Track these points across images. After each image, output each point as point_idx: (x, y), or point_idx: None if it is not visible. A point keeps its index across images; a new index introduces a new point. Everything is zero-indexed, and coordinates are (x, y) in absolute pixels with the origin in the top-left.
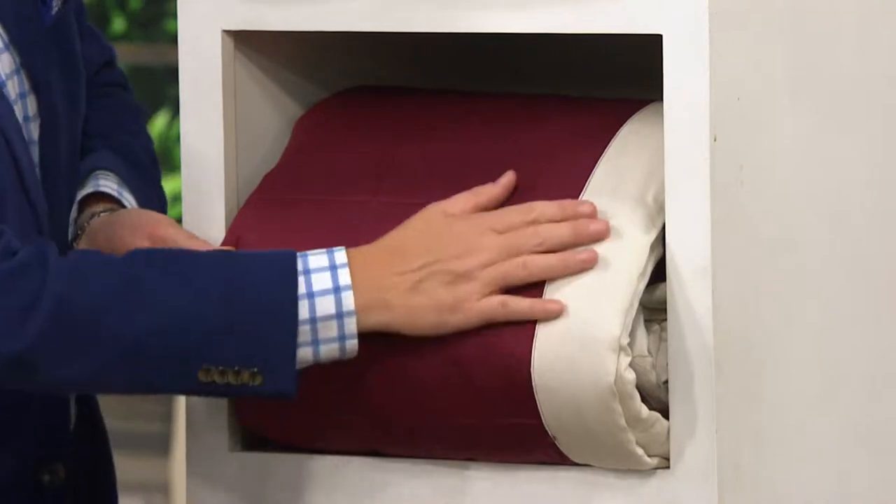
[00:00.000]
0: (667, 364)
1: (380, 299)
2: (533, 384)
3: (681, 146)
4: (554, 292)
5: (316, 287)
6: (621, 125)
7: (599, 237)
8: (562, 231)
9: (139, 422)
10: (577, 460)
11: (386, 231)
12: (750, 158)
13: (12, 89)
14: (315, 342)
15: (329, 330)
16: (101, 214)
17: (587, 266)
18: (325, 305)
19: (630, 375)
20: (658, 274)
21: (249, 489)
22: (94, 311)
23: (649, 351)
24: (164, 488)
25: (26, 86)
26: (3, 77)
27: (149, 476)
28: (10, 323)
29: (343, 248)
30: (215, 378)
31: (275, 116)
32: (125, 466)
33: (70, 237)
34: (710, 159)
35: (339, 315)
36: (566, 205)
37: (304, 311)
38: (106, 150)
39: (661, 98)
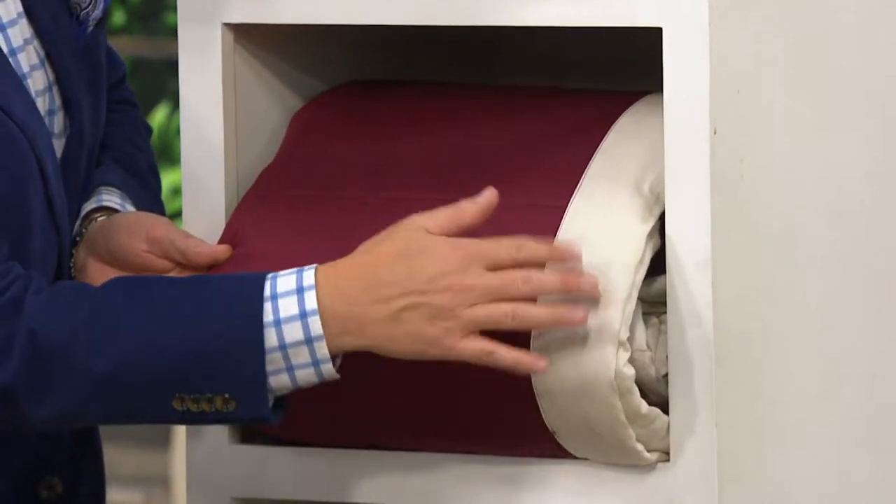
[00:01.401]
0: (666, 358)
1: (355, 326)
2: (532, 379)
3: (681, 139)
4: None
5: (283, 313)
6: (619, 116)
7: (590, 294)
8: (552, 283)
9: None
10: (577, 455)
11: (384, 227)
12: (750, 151)
13: (42, 106)
14: (289, 368)
15: (301, 356)
16: (99, 219)
17: (578, 323)
18: (293, 332)
19: (629, 371)
20: (656, 266)
21: (249, 482)
22: (64, 344)
23: (648, 345)
24: (163, 481)
25: (57, 103)
26: (35, 94)
27: (149, 469)
28: None
29: (314, 266)
30: (189, 406)
31: (275, 110)
32: (125, 460)
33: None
34: (710, 152)
35: (309, 340)
36: (557, 248)
37: (272, 339)
38: (112, 162)
39: (660, 91)
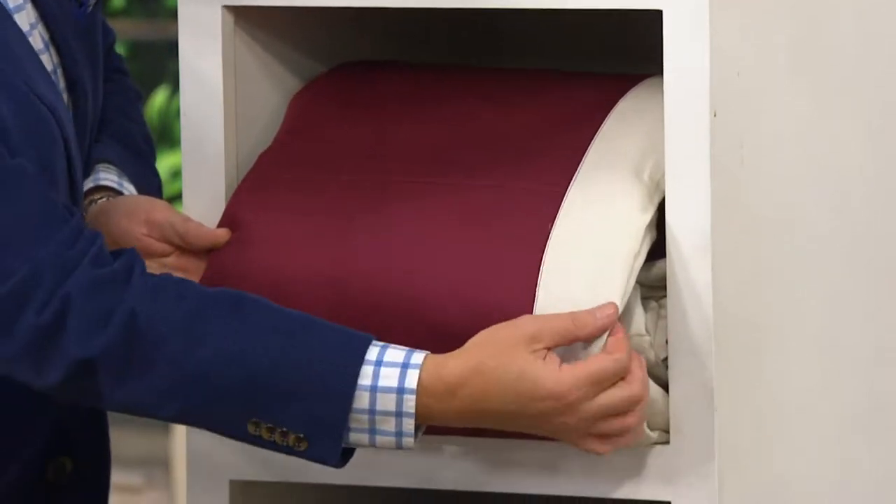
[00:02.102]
0: (665, 342)
1: (458, 421)
2: None
3: (681, 122)
4: (549, 273)
5: (381, 382)
6: (618, 100)
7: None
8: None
9: None
10: None
11: (384, 212)
12: (750, 135)
13: None
14: (372, 431)
15: (387, 424)
16: (100, 202)
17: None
18: (386, 402)
19: None
20: (655, 250)
21: (249, 465)
22: (161, 335)
23: (647, 329)
24: (164, 464)
25: (62, 85)
26: None
27: (149, 451)
28: (85, 329)
29: (425, 353)
30: (263, 433)
31: (274, 92)
32: (127, 442)
33: None
34: (710, 136)
35: (399, 414)
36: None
37: (363, 402)
38: (108, 137)
39: (660, 74)
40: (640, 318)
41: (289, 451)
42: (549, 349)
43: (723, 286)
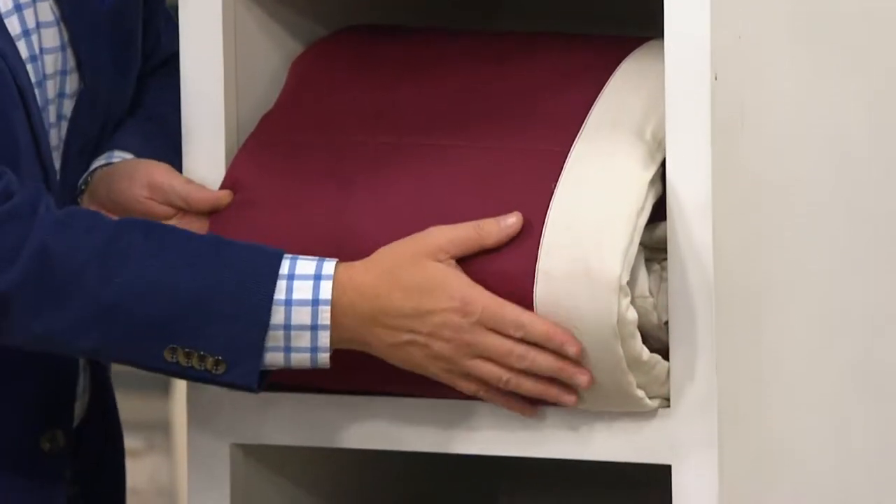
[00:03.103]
0: (667, 304)
1: (359, 338)
2: None
3: (681, 85)
4: (553, 229)
5: (296, 295)
6: (620, 61)
7: (580, 387)
8: (548, 368)
9: None
10: (577, 403)
11: (384, 174)
12: (750, 98)
13: (52, 64)
14: (287, 349)
15: (302, 339)
16: (102, 168)
17: (564, 402)
18: (302, 315)
19: (632, 315)
20: (658, 212)
21: (249, 428)
22: (74, 265)
23: (650, 291)
24: (165, 427)
25: (71, 63)
26: (45, 51)
27: (150, 415)
28: None
29: (334, 260)
30: (180, 359)
31: (275, 54)
32: (126, 406)
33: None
34: (711, 98)
35: (314, 327)
36: (555, 337)
37: (278, 317)
38: (136, 124)
39: (661, 37)
40: (643, 280)
41: (206, 376)
42: (455, 259)
43: (723, 249)
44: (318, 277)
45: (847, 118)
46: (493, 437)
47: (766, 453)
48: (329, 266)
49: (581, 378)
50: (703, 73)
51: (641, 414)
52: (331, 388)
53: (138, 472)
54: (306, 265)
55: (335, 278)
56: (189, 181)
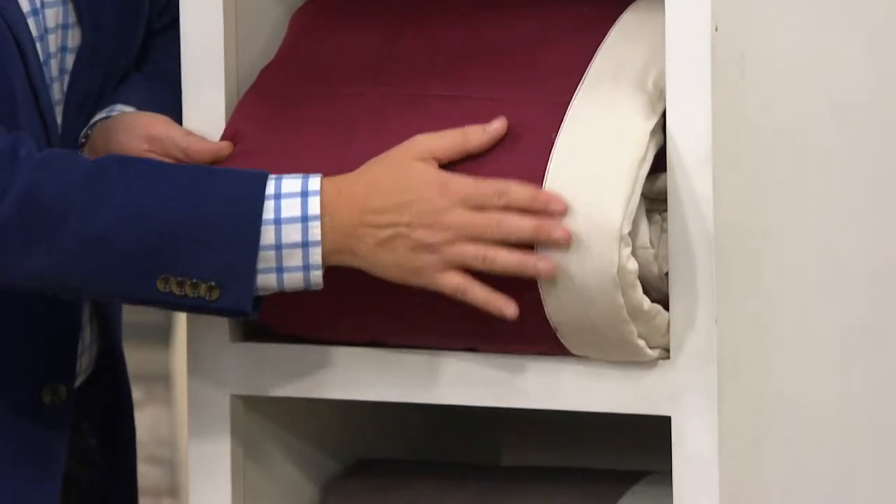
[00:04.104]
0: (667, 255)
1: (347, 246)
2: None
3: (682, 35)
4: (555, 182)
5: (284, 213)
6: (621, 13)
7: (558, 245)
8: (525, 228)
9: (140, 312)
10: (577, 353)
11: (384, 124)
12: (751, 48)
13: (53, 18)
14: (279, 269)
15: (293, 258)
16: (102, 121)
17: (542, 276)
18: (291, 233)
19: (633, 265)
20: (659, 163)
21: (249, 379)
22: (60, 203)
23: (651, 242)
24: (165, 378)
25: (71, 18)
26: (46, 4)
27: (150, 366)
28: None
29: (319, 175)
30: (173, 288)
31: (275, 7)
32: (127, 357)
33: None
34: (711, 49)
35: (305, 244)
36: (539, 197)
37: (269, 237)
38: (141, 80)
39: None
40: (644, 231)
41: (201, 304)
42: (440, 164)
43: (724, 199)
44: (305, 194)
45: (847, 67)
46: (493, 389)
47: (767, 403)
48: (315, 181)
49: (560, 233)
50: (703, 23)
51: (641, 365)
52: (331, 339)
53: (139, 423)
54: (292, 183)
55: (322, 192)
56: (189, 133)
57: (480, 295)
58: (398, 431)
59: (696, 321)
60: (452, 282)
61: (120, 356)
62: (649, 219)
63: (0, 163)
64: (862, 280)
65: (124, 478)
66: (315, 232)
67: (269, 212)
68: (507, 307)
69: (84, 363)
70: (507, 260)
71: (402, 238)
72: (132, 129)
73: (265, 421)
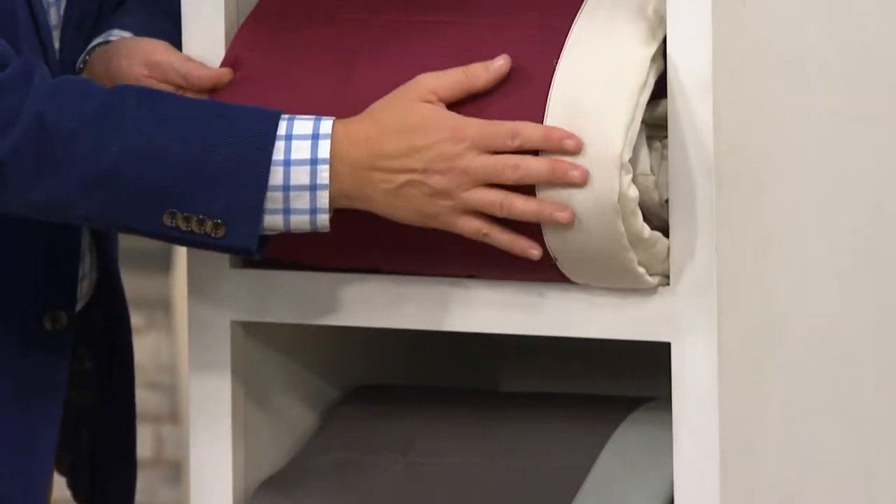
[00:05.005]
0: (668, 182)
1: (360, 190)
2: None
3: None
4: (556, 107)
5: (294, 155)
6: None
7: (575, 184)
8: (541, 170)
9: (142, 238)
10: (577, 280)
11: (385, 51)
12: None
13: None
14: (286, 211)
15: (301, 201)
16: (101, 47)
17: (560, 222)
18: (300, 175)
19: (633, 193)
20: (659, 90)
21: (249, 305)
22: (71, 131)
23: (651, 169)
24: (165, 304)
25: None
26: None
27: (150, 292)
28: None
29: (332, 118)
30: (179, 223)
31: None
32: (127, 282)
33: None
34: None
35: (313, 188)
36: (553, 135)
37: (277, 178)
38: (138, 5)
39: None
40: (645, 158)
41: (206, 240)
42: (445, 103)
43: (724, 124)
44: (315, 137)
45: None
46: (493, 316)
47: (767, 329)
48: (326, 124)
49: (575, 173)
50: None
51: (641, 292)
52: (331, 266)
53: (139, 348)
54: (304, 125)
55: (333, 135)
56: (189, 59)
57: (503, 238)
58: (397, 358)
59: (695, 248)
60: (473, 226)
61: (117, 281)
62: (650, 146)
63: (14, 85)
64: (862, 204)
65: (122, 402)
66: (324, 175)
67: (279, 152)
68: (531, 248)
69: (84, 289)
70: (525, 207)
71: (417, 184)
72: (132, 54)
73: (265, 347)
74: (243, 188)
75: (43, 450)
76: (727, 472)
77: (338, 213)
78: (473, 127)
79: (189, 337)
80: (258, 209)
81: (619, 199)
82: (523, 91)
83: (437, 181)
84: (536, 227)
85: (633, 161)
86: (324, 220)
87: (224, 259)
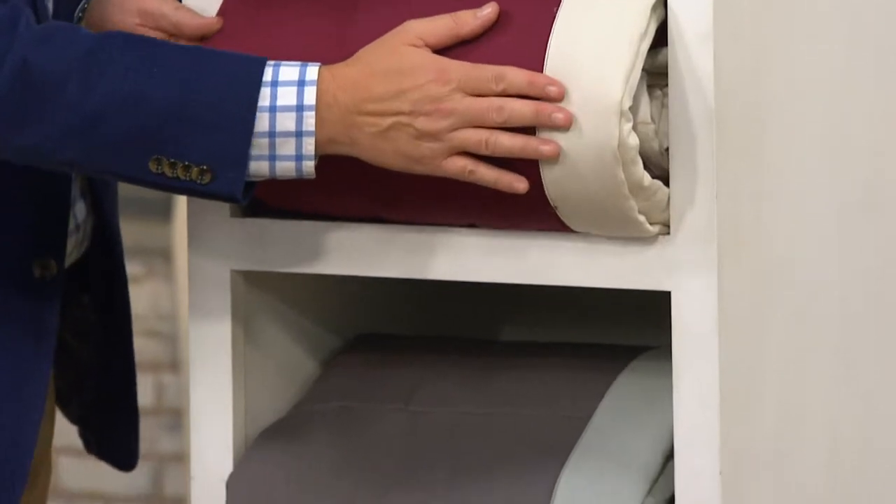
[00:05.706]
0: (668, 131)
1: (345, 136)
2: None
3: None
4: (555, 54)
5: (280, 101)
6: None
7: (558, 128)
8: (525, 112)
9: (140, 188)
10: (577, 229)
11: (384, 4)
12: None
13: None
14: (272, 157)
15: (286, 147)
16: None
17: (545, 156)
18: (286, 122)
19: (633, 141)
20: (660, 38)
21: (249, 254)
22: (56, 77)
23: (652, 117)
24: (165, 253)
25: None
26: None
27: (150, 241)
28: None
29: (317, 64)
30: (165, 169)
31: None
32: (126, 231)
33: None
34: None
35: (299, 134)
36: (536, 81)
37: (263, 124)
38: None
39: None
40: (645, 106)
41: (192, 186)
42: (433, 49)
43: (725, 73)
44: (301, 83)
45: None
46: (493, 265)
47: (767, 278)
48: (312, 71)
49: (559, 115)
50: None
51: (641, 240)
52: (328, 216)
53: (139, 297)
54: (289, 71)
55: (319, 81)
56: (180, 6)
57: (488, 174)
58: (398, 307)
59: (696, 197)
60: (458, 165)
61: (116, 230)
62: (650, 94)
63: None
64: (863, 152)
65: (121, 352)
66: (309, 122)
67: (264, 99)
68: (517, 182)
69: (79, 238)
70: (511, 143)
71: (403, 127)
72: (125, 4)
73: (265, 296)
74: (229, 134)
75: (34, 385)
76: (727, 420)
77: (334, 163)
78: (459, 70)
79: (189, 286)
80: (244, 155)
81: (619, 146)
82: (523, 38)
83: (422, 123)
84: (536, 175)
85: (634, 109)
86: (309, 166)
87: (224, 208)
